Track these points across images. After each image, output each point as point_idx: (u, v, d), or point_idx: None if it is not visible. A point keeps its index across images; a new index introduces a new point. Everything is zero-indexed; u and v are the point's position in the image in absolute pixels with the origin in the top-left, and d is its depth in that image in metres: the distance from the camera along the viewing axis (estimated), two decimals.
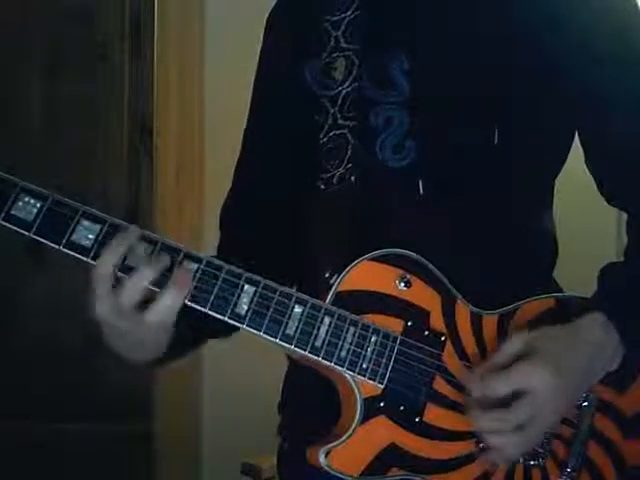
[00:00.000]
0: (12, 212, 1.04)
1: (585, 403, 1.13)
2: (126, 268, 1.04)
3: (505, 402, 1.04)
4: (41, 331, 2.61)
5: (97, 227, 1.05)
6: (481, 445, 1.10)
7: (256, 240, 1.32)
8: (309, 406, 1.23)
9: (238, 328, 1.18)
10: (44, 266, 2.54)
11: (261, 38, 1.36)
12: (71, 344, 2.63)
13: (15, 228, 1.04)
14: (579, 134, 1.22)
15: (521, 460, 1.11)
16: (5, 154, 2.57)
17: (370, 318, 1.10)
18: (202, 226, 3.04)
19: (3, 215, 1.03)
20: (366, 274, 1.11)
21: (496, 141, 1.15)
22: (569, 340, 1.08)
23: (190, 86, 2.95)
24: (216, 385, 2.87)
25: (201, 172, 2.96)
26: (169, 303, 1.03)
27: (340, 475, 1.08)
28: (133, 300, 1.03)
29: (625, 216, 1.25)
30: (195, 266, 1.06)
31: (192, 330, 1.17)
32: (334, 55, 1.21)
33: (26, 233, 1.04)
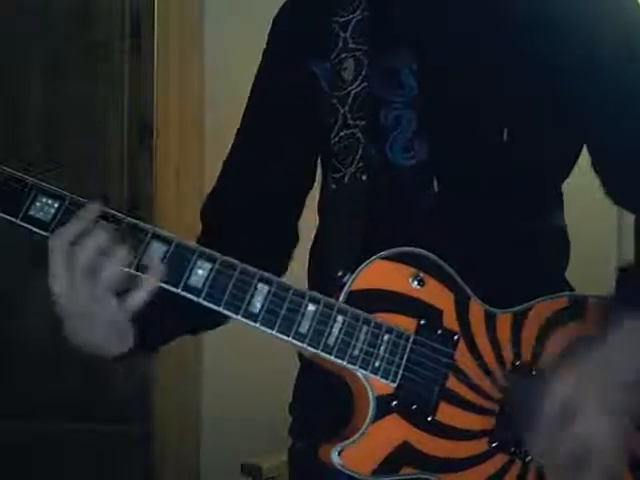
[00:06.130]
0: (30, 213, 1.05)
1: None
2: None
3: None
4: (41, 331, 2.60)
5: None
6: (493, 445, 1.11)
7: (244, 236, 1.31)
8: (321, 407, 1.23)
9: (221, 324, 1.19)
10: (45, 266, 2.54)
11: (261, 38, 1.37)
12: (71, 344, 2.62)
13: (33, 228, 1.05)
14: (585, 135, 1.22)
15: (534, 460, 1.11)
16: (5, 154, 2.57)
17: (383, 317, 1.10)
18: None
19: (21, 216, 1.05)
20: (379, 273, 1.11)
21: (505, 139, 1.15)
22: (606, 369, 1.06)
23: (190, 86, 2.95)
24: (216, 385, 2.87)
25: (201, 172, 2.96)
26: (115, 267, 1.04)
27: (353, 473, 1.09)
28: (84, 264, 1.03)
29: (627, 216, 1.25)
30: (209, 265, 1.06)
31: (166, 324, 1.17)
32: (342, 56, 1.22)
33: (44, 233, 1.05)
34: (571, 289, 1.23)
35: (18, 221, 1.05)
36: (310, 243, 1.32)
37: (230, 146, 1.38)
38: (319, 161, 1.32)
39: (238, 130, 1.37)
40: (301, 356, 1.27)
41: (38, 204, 1.05)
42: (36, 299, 2.60)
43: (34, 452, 2.59)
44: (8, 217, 1.05)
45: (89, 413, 2.61)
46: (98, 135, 2.60)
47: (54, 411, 2.60)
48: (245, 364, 2.82)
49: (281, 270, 1.32)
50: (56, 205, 1.05)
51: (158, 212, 2.59)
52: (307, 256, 1.31)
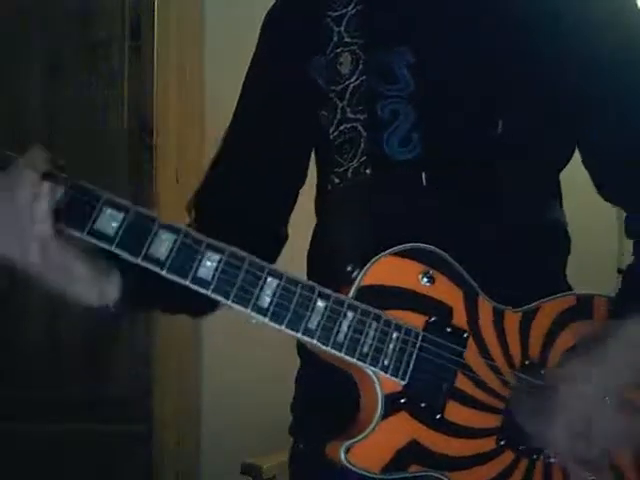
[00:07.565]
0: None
1: None
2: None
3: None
4: (41, 331, 2.60)
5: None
6: (501, 442, 1.11)
7: (232, 234, 1.30)
8: (323, 406, 1.22)
9: (207, 312, 1.17)
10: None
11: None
12: (71, 344, 2.63)
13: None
14: (581, 134, 1.22)
15: (542, 457, 1.12)
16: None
17: (392, 313, 1.10)
18: None
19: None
20: (389, 269, 1.10)
21: (500, 131, 1.15)
22: (616, 366, 1.08)
23: (190, 86, 2.94)
24: (216, 385, 2.87)
25: (201, 172, 2.95)
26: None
27: (361, 472, 1.08)
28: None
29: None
30: (218, 257, 1.05)
31: (146, 292, 1.14)
32: (338, 50, 1.22)
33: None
34: (569, 287, 1.23)
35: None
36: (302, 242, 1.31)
37: (221, 140, 1.37)
38: (315, 157, 1.32)
39: (230, 125, 1.36)
40: (301, 354, 1.27)
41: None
42: (37, 299, 2.60)
43: (34, 452, 2.59)
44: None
45: (89, 413, 2.61)
46: (98, 135, 2.60)
47: (54, 411, 2.60)
48: (245, 364, 2.81)
49: None
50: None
51: (158, 212, 2.59)
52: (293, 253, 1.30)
